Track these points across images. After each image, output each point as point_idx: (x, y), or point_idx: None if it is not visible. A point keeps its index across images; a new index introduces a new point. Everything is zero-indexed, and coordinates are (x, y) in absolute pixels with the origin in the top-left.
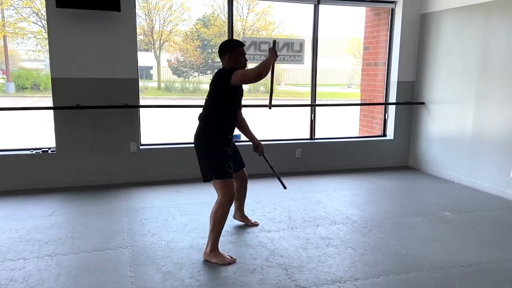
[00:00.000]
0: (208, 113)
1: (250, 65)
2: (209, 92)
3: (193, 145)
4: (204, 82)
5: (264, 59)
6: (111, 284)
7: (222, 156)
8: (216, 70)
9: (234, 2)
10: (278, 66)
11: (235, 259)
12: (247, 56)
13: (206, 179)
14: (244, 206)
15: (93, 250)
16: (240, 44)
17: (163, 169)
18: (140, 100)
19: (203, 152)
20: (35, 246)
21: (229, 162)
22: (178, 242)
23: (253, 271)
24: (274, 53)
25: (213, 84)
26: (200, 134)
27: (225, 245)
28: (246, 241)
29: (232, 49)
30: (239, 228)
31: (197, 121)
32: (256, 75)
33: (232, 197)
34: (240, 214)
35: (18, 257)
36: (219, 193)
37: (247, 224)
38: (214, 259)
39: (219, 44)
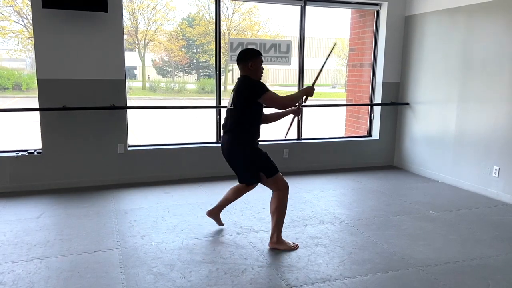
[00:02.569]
0: (236, 124)
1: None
2: (235, 102)
3: (222, 151)
4: (189, 82)
5: None
6: (102, 286)
7: (263, 156)
8: (238, 78)
9: (221, 3)
10: (263, 67)
11: (298, 245)
12: (235, 57)
13: (252, 181)
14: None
15: (83, 252)
16: (260, 54)
17: (151, 170)
18: (127, 100)
19: (242, 159)
20: (23, 249)
21: (270, 158)
22: (168, 243)
23: (244, 271)
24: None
25: (240, 93)
26: (232, 144)
27: (215, 246)
28: (236, 242)
29: (255, 57)
30: (229, 229)
31: (223, 133)
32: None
33: (286, 188)
34: (216, 212)
35: (7, 260)
36: (274, 189)
37: (217, 222)
38: (281, 246)
39: (240, 51)
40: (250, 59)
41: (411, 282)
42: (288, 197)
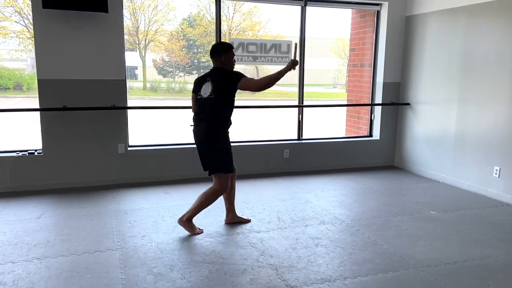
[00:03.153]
0: (216, 113)
1: (238, 65)
2: (215, 91)
3: (195, 144)
4: (190, 82)
5: (251, 60)
6: (102, 286)
7: (230, 153)
8: (207, 71)
9: (221, 3)
10: (264, 66)
11: (202, 231)
12: (235, 57)
13: (211, 172)
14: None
15: (83, 252)
16: (232, 47)
17: (151, 170)
18: (127, 100)
19: (214, 150)
20: (23, 249)
21: (232, 158)
22: (168, 244)
23: (244, 272)
24: (293, 62)
25: (219, 83)
26: (209, 133)
27: (215, 246)
28: (236, 242)
29: (227, 51)
30: (229, 229)
31: (197, 121)
32: (264, 86)
33: (226, 189)
34: (233, 216)
35: (7, 261)
36: (218, 183)
37: (242, 221)
38: (187, 227)
39: (212, 45)
40: (223, 53)
41: (411, 282)
42: (290, 196)
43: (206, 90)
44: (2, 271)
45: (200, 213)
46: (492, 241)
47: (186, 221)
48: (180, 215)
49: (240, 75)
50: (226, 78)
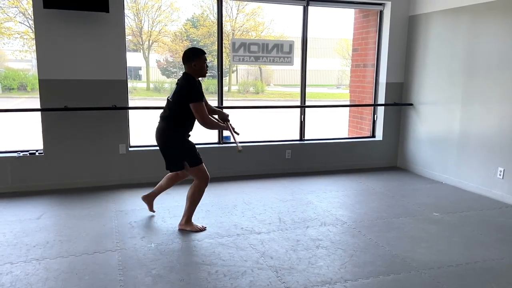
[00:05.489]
0: (172, 113)
1: (241, 66)
2: (175, 95)
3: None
4: None
5: (252, 60)
6: None
7: (190, 146)
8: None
9: (224, 3)
10: (268, 67)
11: (205, 228)
12: (237, 58)
13: (176, 168)
14: (158, 197)
15: (82, 253)
16: (204, 53)
17: (152, 171)
18: (129, 101)
19: (171, 146)
20: (22, 250)
21: (197, 151)
22: (167, 245)
23: (243, 274)
24: (228, 128)
25: (179, 90)
26: (165, 131)
27: (215, 247)
28: (236, 243)
29: (198, 57)
30: (229, 230)
31: (159, 119)
32: (204, 124)
33: (207, 179)
34: (151, 200)
35: (5, 261)
36: (195, 177)
37: (149, 208)
38: (188, 227)
39: (185, 50)
40: (194, 59)
41: (413, 285)
42: (291, 197)
43: (171, 93)
44: (0, 272)
45: (200, 214)
46: (496, 244)
47: (186, 224)
48: (180, 219)
49: (195, 98)
50: (183, 92)
